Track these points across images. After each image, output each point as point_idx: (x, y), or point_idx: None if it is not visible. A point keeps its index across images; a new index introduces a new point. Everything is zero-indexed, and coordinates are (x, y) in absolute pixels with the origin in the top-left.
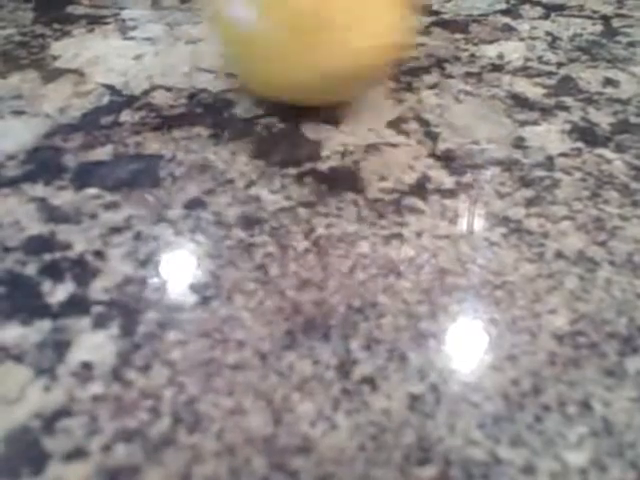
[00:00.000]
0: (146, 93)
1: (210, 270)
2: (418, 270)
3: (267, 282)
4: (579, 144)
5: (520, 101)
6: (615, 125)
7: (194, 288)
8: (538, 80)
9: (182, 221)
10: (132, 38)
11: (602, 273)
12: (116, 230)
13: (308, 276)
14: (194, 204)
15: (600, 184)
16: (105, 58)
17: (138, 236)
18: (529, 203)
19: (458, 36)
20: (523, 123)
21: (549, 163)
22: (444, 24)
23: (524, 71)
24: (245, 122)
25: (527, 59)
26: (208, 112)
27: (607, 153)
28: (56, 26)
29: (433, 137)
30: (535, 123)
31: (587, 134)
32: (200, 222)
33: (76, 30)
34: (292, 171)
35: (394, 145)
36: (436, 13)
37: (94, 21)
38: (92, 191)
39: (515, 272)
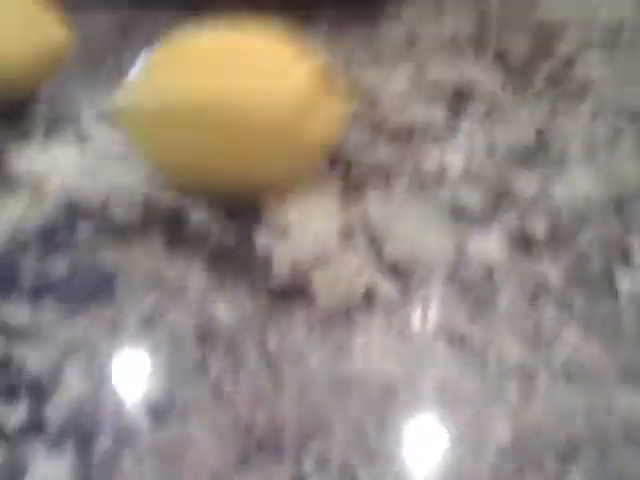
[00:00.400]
0: (102, 205)
1: (165, 388)
2: (366, 385)
3: (221, 399)
4: (516, 252)
5: (461, 210)
6: (550, 232)
7: (149, 407)
8: (477, 188)
9: (137, 337)
10: (89, 149)
11: (541, 383)
12: (72, 347)
13: (261, 393)
14: (149, 319)
15: (537, 292)
16: (62, 169)
17: (94, 353)
18: (471, 313)
19: (402, 145)
20: (464, 232)
21: (489, 272)
22: (388, 134)
23: (464, 180)
24: (198, 234)
25: (467, 168)
26: (162, 224)
27: (544, 259)
28: (13, 133)
29: (379, 248)
30: (475, 232)
31: (524, 242)
32: (155, 338)
33: (34, 138)
34: (245, 284)
35: (342, 256)
36: (380, 123)
37: (52, 129)
38: (48, 306)
39: (459, 385)
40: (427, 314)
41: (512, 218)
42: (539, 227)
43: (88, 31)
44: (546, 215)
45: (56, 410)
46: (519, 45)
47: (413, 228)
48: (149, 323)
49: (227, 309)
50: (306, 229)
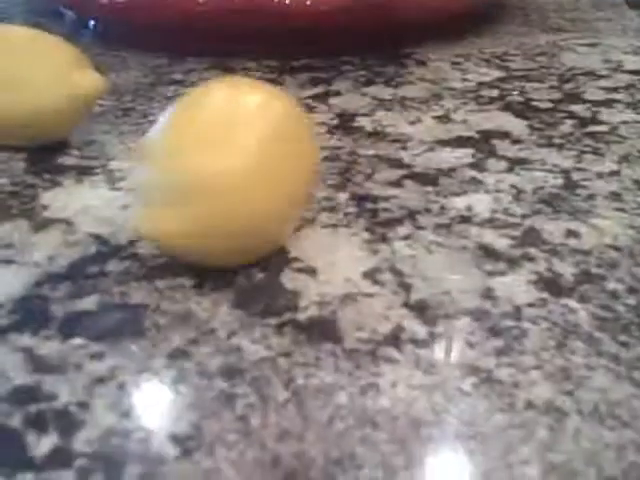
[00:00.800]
0: (132, 243)
1: (192, 421)
2: (394, 421)
3: (248, 433)
4: (544, 294)
5: (488, 252)
6: (578, 276)
7: (176, 440)
8: (504, 231)
9: (165, 371)
10: (119, 189)
11: (571, 423)
12: (100, 380)
13: (288, 427)
14: (177, 354)
15: (566, 334)
16: (93, 208)
17: (122, 387)
18: (499, 353)
19: (429, 188)
20: (491, 273)
21: (517, 313)
22: (415, 177)
23: (491, 223)
24: (226, 272)
25: (494, 211)
26: (190, 262)
27: (571, 303)
28: (46, 176)
29: (406, 287)
30: (502, 274)
31: (552, 284)
32: (183, 372)
33: (66, 180)
34: (272, 321)
35: (369, 295)
36: (407, 166)
37: (83, 172)
38: (78, 341)
39: (487, 422)
40: (455, 352)
41: (540, 261)
42: (567, 270)
43: (119, 75)
44: (574, 259)
45: (84, 441)
46: (544, 92)
47: (440, 269)
48: (177, 358)
49: (254, 345)
50: (333, 268)
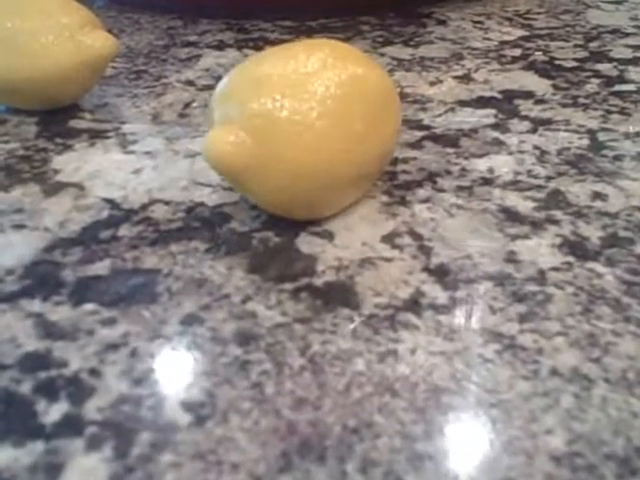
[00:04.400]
0: (144, 207)
1: (205, 388)
2: (413, 388)
3: (263, 401)
4: (570, 258)
5: (511, 215)
6: (605, 239)
7: (189, 407)
8: (528, 194)
9: (178, 338)
10: (132, 152)
11: (597, 391)
12: (112, 347)
13: (304, 395)
14: (190, 320)
15: (592, 299)
16: (105, 172)
17: (134, 353)
18: (522, 319)
19: (449, 150)
20: (514, 237)
21: (541, 278)
22: (435, 138)
23: (514, 185)
24: (241, 236)
25: (516, 173)
26: (205, 226)
27: (598, 267)
28: (58, 140)
29: (426, 251)
30: (526, 237)
31: (577, 248)
32: (196, 338)
33: (78, 144)
34: (288, 286)
35: (388, 260)
36: (427, 128)
37: (96, 135)
38: (89, 307)
39: (510, 390)
40: (476, 318)
41: (565, 224)
42: (593, 233)
43: (132, 37)
44: (600, 222)
45: (95, 408)
46: (569, 51)
47: (461, 232)
48: (190, 324)
49: (269, 311)
50: (351, 232)
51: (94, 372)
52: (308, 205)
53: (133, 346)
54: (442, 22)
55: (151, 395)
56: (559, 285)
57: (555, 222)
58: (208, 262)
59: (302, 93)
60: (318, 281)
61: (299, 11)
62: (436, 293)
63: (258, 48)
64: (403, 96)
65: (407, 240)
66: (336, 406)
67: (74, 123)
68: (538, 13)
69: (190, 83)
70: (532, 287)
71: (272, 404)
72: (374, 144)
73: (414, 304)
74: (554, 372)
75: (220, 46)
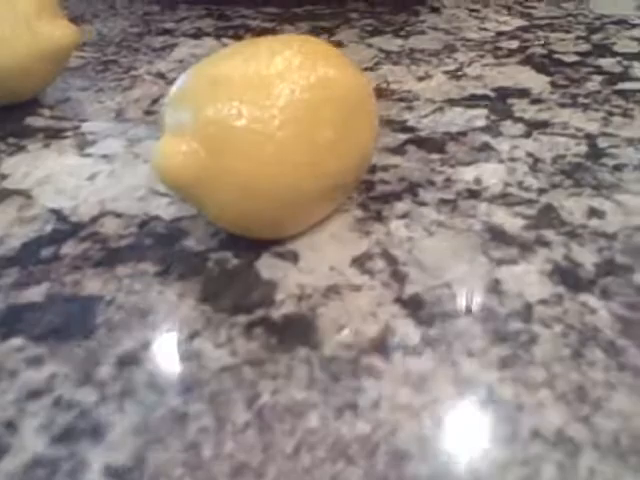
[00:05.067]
0: (94, 220)
1: (134, 450)
2: (372, 453)
3: (197, 467)
4: (560, 289)
5: (497, 235)
6: (600, 266)
7: (113, 473)
8: (517, 209)
9: (110, 383)
10: (89, 155)
11: (584, 460)
12: (35, 394)
13: (245, 459)
14: (127, 360)
15: (583, 340)
16: (57, 178)
17: (58, 402)
18: (503, 364)
19: (434, 156)
20: (499, 262)
21: (527, 313)
22: (420, 142)
23: (503, 198)
24: (196, 257)
25: (506, 184)
26: (158, 244)
27: (591, 300)
28: (11, 140)
29: (400, 278)
30: (513, 262)
31: (569, 276)
32: (130, 385)
33: (32, 145)
34: (241, 319)
35: (356, 288)
36: (412, 130)
37: (52, 135)
38: (16, 342)
39: (485, 458)
40: (450, 362)
41: (557, 246)
42: (588, 258)
43: (106, 23)
44: (596, 244)
45: (4, 473)
46: (570, 44)
47: (441, 255)
48: (126, 365)
49: (217, 350)
50: (319, 253)
51: (10, 425)
52: (269, 224)
53: (58, 393)
54: (436, 10)
55: (70, 457)
56: (546, 322)
57: (546, 244)
58: (157, 288)
59: (264, 98)
60: (276, 313)
61: None
62: (407, 329)
63: (238, 37)
64: (388, 93)
65: (380, 264)
66: (281, 474)
67: (31, 120)
68: (539, 1)
69: (161, 76)
70: (516, 324)
71: (208, 471)
72: (346, 154)
73: (381, 344)
74: (536, 434)
75: (197, 34)
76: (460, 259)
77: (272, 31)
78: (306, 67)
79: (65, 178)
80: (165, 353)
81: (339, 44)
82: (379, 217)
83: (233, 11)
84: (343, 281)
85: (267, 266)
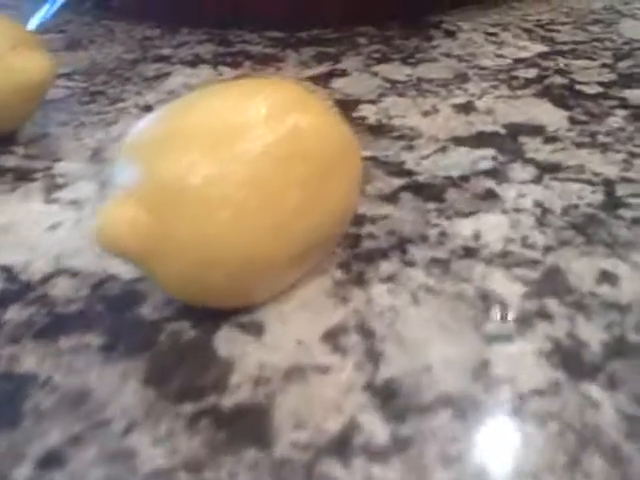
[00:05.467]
0: (45, 280)
1: None
2: None
3: None
4: (559, 374)
5: (492, 304)
6: (608, 346)
7: None
8: (518, 272)
9: None
10: (55, 201)
11: None
12: None
13: None
14: (50, 459)
15: (582, 443)
16: (18, 227)
17: None
18: (481, 475)
19: (430, 205)
20: (492, 339)
21: (518, 406)
22: (416, 189)
23: (503, 258)
24: (149, 327)
25: (508, 240)
26: (109, 310)
27: (594, 391)
28: None
29: (375, 357)
30: (507, 339)
31: (571, 359)
32: None
33: None
34: (188, 408)
35: (324, 370)
36: (409, 174)
37: (21, 176)
38: None
39: None
40: (418, 474)
41: (560, 320)
42: (595, 336)
43: (101, 49)
44: (606, 318)
45: None
46: (593, 73)
47: (425, 329)
48: (47, 466)
49: (154, 448)
50: (287, 325)
51: None
52: (229, 296)
53: None
54: (451, 34)
55: None
56: (540, 419)
57: (548, 317)
58: (98, 366)
59: (225, 153)
60: (227, 402)
61: (289, 20)
62: (375, 427)
63: (236, 65)
64: (389, 129)
65: (354, 339)
66: None
67: (2, 160)
68: (563, 24)
69: (148, 109)
70: (503, 419)
71: None
72: (320, 215)
73: (343, 445)
74: None
75: (194, 62)
76: (447, 334)
77: (273, 58)
78: (276, 117)
79: (27, 227)
80: (94, 451)
81: (343, 73)
82: (360, 280)
83: (235, 35)
84: (309, 360)
85: (226, 340)
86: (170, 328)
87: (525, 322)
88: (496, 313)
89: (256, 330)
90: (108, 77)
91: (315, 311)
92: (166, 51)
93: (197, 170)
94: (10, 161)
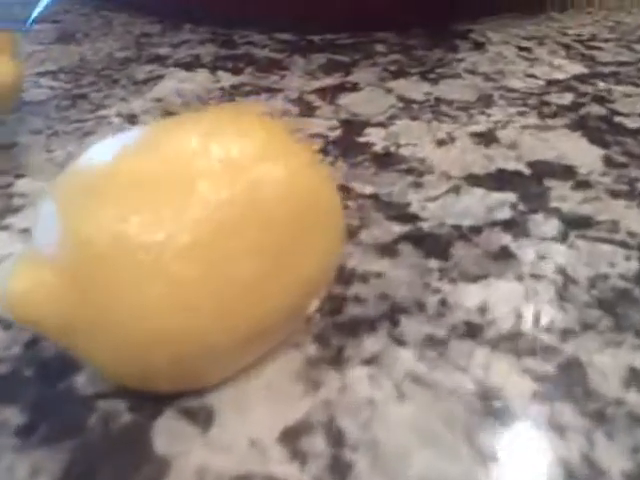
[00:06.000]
0: None
1: None
2: None
3: None
4: None
5: (493, 406)
6: (630, 478)
7: None
8: (529, 363)
9: None
10: (6, 228)
11: None
12: None
13: None
14: None
15: None
16: None
17: None
18: None
19: (433, 263)
20: (487, 458)
21: None
22: (418, 240)
23: (511, 342)
24: (81, 403)
25: (520, 318)
26: (38, 378)
27: None
28: None
29: (341, 472)
30: (506, 460)
31: None
32: None
33: None
34: None
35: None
36: (412, 219)
37: None
38: None
39: None
40: None
41: (575, 436)
42: (614, 463)
43: (94, 44)
44: (629, 438)
45: None
46: (638, 101)
47: (408, 435)
48: None
49: None
50: (241, 416)
51: None
52: (168, 381)
53: None
54: (479, 46)
55: None
56: None
57: (560, 430)
58: (10, 455)
59: (164, 210)
60: None
61: (302, 22)
62: None
63: (236, 70)
64: (396, 160)
65: (319, 443)
66: None
67: None
68: (606, 40)
69: (131, 118)
70: None
71: None
72: (286, 285)
73: None
74: None
75: (191, 64)
76: (433, 445)
77: (277, 65)
78: (236, 164)
79: None
80: None
81: (354, 87)
82: (338, 359)
83: (241, 36)
84: (261, 468)
85: (167, 431)
86: (103, 408)
87: (531, 435)
88: (496, 422)
89: (204, 419)
90: (95, 78)
91: (277, 399)
92: (163, 50)
93: (128, 232)
94: None
